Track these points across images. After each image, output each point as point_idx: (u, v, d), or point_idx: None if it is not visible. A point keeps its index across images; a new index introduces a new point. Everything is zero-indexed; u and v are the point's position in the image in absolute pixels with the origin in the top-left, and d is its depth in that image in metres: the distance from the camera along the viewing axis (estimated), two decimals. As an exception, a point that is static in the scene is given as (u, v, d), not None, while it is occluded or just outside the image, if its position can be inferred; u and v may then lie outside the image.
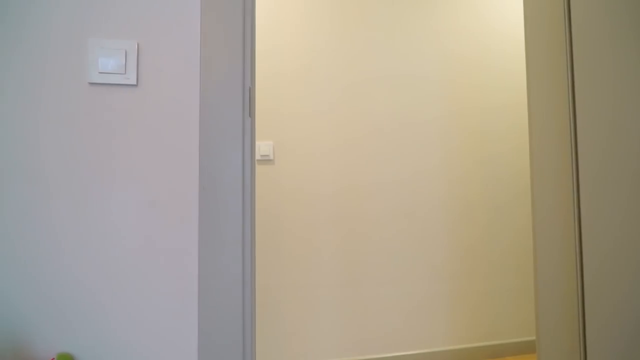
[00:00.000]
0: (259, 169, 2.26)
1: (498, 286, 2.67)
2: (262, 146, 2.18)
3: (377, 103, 2.51)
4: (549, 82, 1.43)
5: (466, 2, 2.70)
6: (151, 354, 0.93)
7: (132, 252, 0.94)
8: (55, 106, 0.93)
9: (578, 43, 1.31)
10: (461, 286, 2.61)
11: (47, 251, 0.91)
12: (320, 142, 2.40)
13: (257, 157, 2.24)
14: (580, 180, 1.30)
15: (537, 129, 1.45)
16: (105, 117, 0.95)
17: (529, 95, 1.49)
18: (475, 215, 2.65)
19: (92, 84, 0.94)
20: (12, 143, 0.91)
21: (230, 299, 0.93)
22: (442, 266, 2.58)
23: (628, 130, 1.17)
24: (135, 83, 0.95)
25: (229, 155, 0.96)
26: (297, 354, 2.31)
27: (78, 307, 0.91)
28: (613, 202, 1.20)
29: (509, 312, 2.68)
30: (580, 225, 1.32)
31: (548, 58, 1.43)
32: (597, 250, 1.23)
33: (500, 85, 2.72)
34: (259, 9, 2.35)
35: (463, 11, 2.69)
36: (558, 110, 1.40)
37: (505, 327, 2.67)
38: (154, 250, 0.94)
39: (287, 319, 2.28)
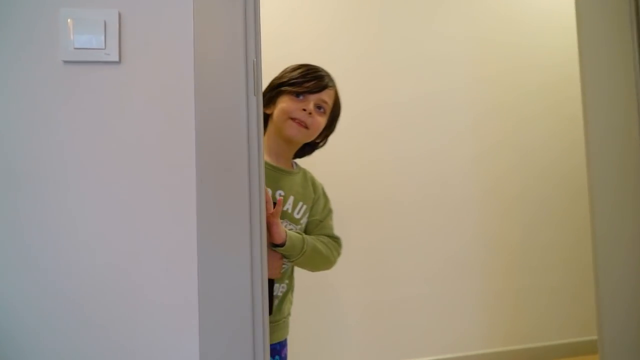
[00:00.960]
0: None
1: (538, 284, 2.46)
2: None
3: (401, 90, 2.32)
4: (609, 64, 1.23)
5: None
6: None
7: (113, 262, 0.78)
8: (23, 91, 0.78)
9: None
10: (498, 284, 2.41)
11: (14, 258, 0.76)
12: (341, 134, 2.23)
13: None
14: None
15: (595, 118, 1.25)
16: (84, 102, 0.79)
17: (583, 81, 1.28)
18: (510, 208, 2.45)
19: (66, 62, 0.79)
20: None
21: (237, 318, 0.77)
22: (476, 263, 2.39)
23: None
24: (117, 60, 0.80)
25: (230, 142, 0.80)
26: (322, 361, 2.16)
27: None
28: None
29: (551, 312, 2.47)
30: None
31: (607, 34, 1.23)
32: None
33: (536, 63, 2.49)
34: (270, -8, 2.19)
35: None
36: (622, 97, 1.19)
37: (547, 328, 2.46)
38: (141, 256, 0.79)
39: (306, 324, 2.12)
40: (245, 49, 0.82)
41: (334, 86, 1.21)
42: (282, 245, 1.06)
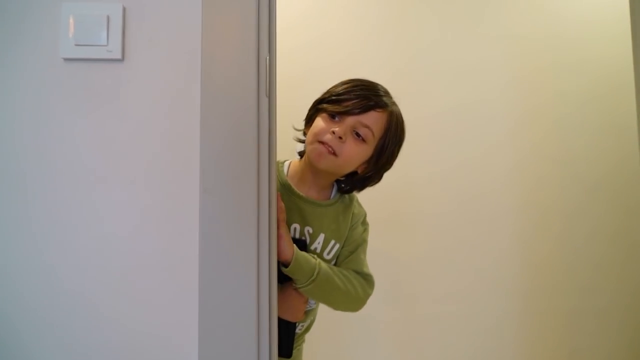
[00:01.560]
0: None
1: (584, 306, 2.26)
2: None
3: (433, 97, 2.20)
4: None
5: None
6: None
7: (118, 272, 0.72)
8: (21, 90, 0.73)
9: None
10: (537, 305, 2.23)
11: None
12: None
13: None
14: None
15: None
16: (84, 101, 0.74)
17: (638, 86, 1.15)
18: (553, 223, 2.27)
19: (67, 59, 0.74)
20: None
21: (241, 342, 0.69)
22: (514, 281, 2.23)
23: None
24: (120, 57, 0.74)
25: (238, 147, 0.72)
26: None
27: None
28: None
29: (599, 337, 2.26)
30: None
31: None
32: None
33: (579, 66, 2.32)
34: (299, -5, 2.12)
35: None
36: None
37: (593, 354, 2.26)
38: (144, 268, 0.72)
39: (330, 338, 2.01)
40: (257, 46, 0.74)
41: (385, 108, 0.97)
42: (286, 265, 0.91)
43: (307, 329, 1.09)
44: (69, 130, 0.73)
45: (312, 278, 0.92)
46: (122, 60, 0.74)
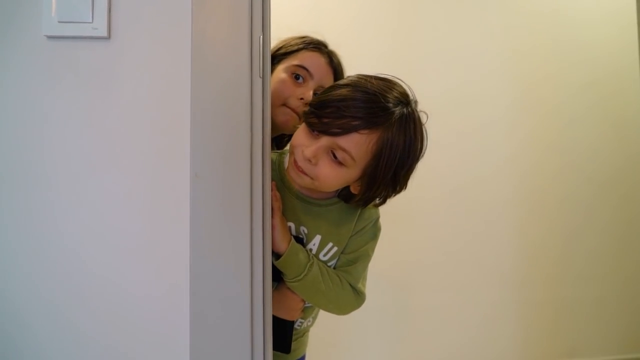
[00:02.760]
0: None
1: (579, 296, 2.26)
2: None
3: (432, 87, 2.16)
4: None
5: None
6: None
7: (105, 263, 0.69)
8: (0, 69, 0.70)
9: None
10: (535, 295, 2.23)
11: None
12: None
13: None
14: None
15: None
16: (69, 82, 0.70)
17: None
18: (550, 213, 2.26)
19: (50, 37, 0.70)
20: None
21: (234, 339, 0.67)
22: (512, 271, 2.22)
23: None
24: (106, 35, 0.70)
25: (230, 130, 0.69)
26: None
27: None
28: None
29: (594, 326, 2.26)
30: None
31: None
32: None
33: (581, 58, 2.29)
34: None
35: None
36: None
37: (589, 343, 2.25)
38: (130, 257, 0.69)
39: (327, 329, 2.00)
40: (251, 24, 0.71)
41: (375, 128, 0.77)
42: (277, 256, 0.84)
43: (311, 324, 1.05)
44: (52, 111, 0.70)
45: (299, 277, 0.85)
46: (108, 38, 0.71)
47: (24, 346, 0.68)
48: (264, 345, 0.69)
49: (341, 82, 0.86)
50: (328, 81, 1.03)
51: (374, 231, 0.94)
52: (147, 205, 0.70)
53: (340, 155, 0.78)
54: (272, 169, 0.89)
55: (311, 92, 0.96)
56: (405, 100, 0.82)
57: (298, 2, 2.07)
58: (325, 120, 0.77)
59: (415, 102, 0.85)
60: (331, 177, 0.80)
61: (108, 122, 0.71)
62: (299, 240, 0.89)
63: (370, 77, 0.82)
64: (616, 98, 2.30)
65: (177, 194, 0.69)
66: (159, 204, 0.70)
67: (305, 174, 0.81)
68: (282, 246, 0.83)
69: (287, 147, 1.03)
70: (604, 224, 2.29)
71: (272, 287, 0.81)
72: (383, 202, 0.90)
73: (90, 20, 0.70)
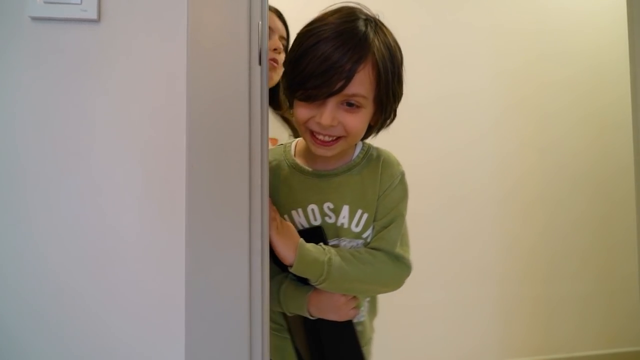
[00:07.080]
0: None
1: (559, 292, 2.30)
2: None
3: (416, 85, 2.13)
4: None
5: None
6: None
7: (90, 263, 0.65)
8: (-19, 50, 0.65)
9: None
10: (515, 291, 2.26)
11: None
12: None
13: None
14: None
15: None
16: (55, 67, 0.66)
17: (634, 77, 1.14)
18: (532, 210, 2.29)
19: (34, 18, 0.66)
20: None
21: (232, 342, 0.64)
22: (493, 268, 2.24)
23: None
24: (96, 18, 0.66)
25: (228, 119, 0.66)
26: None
27: None
28: None
29: (573, 322, 2.31)
30: None
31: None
32: None
33: (563, 55, 2.32)
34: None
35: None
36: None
37: (567, 339, 2.30)
38: (124, 251, 0.66)
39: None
40: (249, 10, 0.68)
41: (365, 59, 0.77)
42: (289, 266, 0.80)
43: (372, 313, 0.98)
44: (38, 99, 0.66)
45: (322, 277, 0.80)
46: (98, 21, 0.67)
47: (5, 348, 0.64)
48: (263, 345, 0.67)
49: (306, 41, 0.79)
50: (274, 23, 1.25)
51: (402, 188, 0.92)
52: (140, 198, 0.66)
53: (354, 100, 0.79)
54: (282, 159, 0.91)
55: (277, 38, 1.16)
56: (363, 16, 0.82)
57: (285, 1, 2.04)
58: (322, 86, 0.76)
59: (366, 7, 0.85)
60: (357, 124, 0.81)
61: (97, 111, 0.67)
62: (318, 230, 0.85)
63: (324, 18, 0.81)
64: (597, 96, 2.34)
65: (172, 186, 0.66)
66: (153, 197, 0.67)
67: (331, 144, 0.81)
68: (288, 258, 0.79)
69: (288, 140, 1.00)
70: (593, 224, 2.33)
71: (306, 291, 0.83)
72: (393, 118, 0.89)
73: (79, 2, 0.66)
